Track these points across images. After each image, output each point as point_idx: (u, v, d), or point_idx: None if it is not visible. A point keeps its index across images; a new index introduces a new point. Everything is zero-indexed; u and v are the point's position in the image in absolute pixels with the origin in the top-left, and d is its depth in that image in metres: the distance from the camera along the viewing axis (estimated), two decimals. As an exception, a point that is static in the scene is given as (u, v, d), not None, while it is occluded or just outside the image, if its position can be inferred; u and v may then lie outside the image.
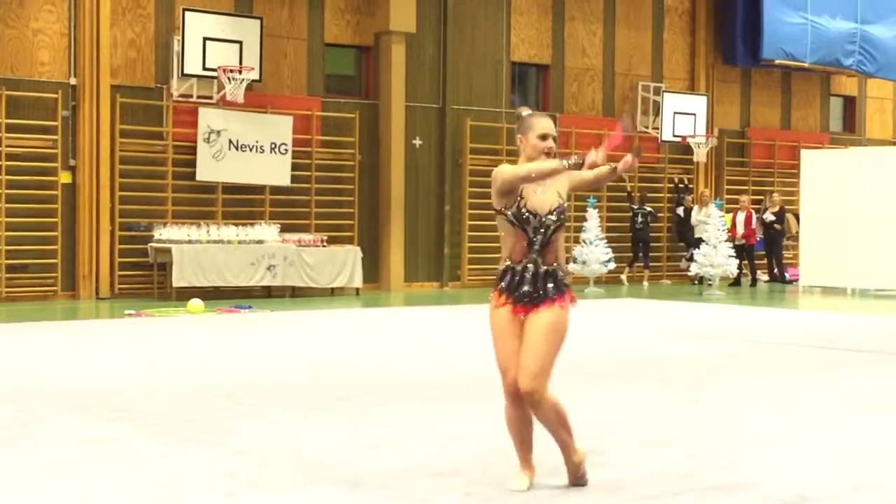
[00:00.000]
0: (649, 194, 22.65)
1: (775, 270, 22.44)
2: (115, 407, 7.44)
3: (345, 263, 18.18)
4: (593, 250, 19.90)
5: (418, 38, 19.73)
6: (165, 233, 16.99)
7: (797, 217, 21.74)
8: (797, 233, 21.70)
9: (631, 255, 21.65)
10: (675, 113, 22.40)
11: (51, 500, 4.93)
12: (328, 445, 6.23)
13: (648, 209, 21.89)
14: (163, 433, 6.57)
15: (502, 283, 5.26)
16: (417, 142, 19.99)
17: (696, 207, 22.22)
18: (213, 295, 16.50)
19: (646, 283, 21.65)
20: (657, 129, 22.39)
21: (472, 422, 6.96)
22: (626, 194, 22.02)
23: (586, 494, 5.10)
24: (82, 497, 4.96)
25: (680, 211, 22.65)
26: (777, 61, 23.58)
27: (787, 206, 22.47)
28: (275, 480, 5.36)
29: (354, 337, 12.30)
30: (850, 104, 26.70)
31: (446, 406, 7.68)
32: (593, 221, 20.03)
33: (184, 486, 5.21)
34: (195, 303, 14.76)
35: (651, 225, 22.10)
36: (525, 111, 5.34)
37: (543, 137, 5.19)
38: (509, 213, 5.15)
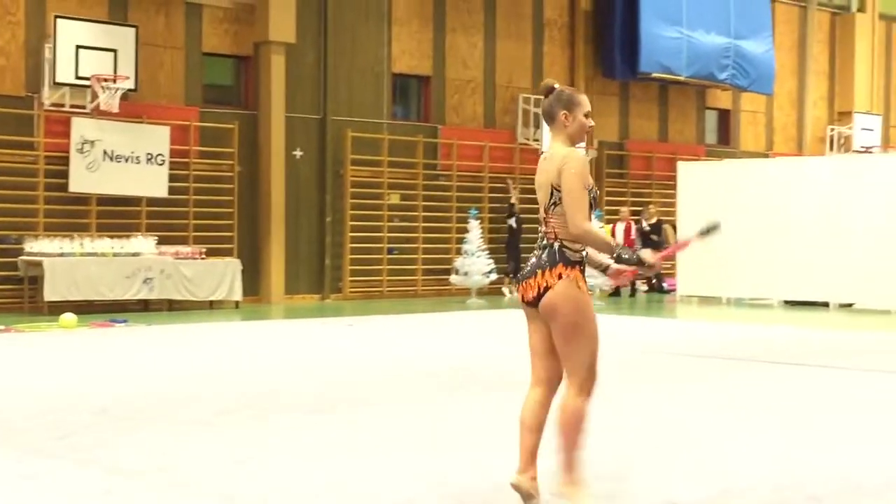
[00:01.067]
0: (526, 207, 22.89)
1: (654, 281, 22.88)
2: (-17, 424, 7.29)
3: (224, 276, 18.04)
4: (475, 261, 20.02)
5: (298, 48, 19.67)
6: (37, 245, 16.63)
7: (674, 228, 22.18)
8: (675, 242, 22.18)
9: (509, 265, 21.74)
10: (556, 125, 22.67)
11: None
12: (204, 461, 6.20)
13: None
14: (32, 451, 6.45)
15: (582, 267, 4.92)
16: (298, 153, 19.90)
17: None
18: (88, 309, 16.17)
19: (515, 293, 21.73)
20: (538, 140, 22.63)
21: (351, 435, 7.00)
22: (508, 205, 22.11)
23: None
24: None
25: (560, 222, 22.92)
26: (654, 74, 24.04)
27: (664, 218, 22.92)
28: (150, 499, 5.33)
29: (233, 351, 12.17)
30: (724, 117, 27.39)
31: (326, 419, 7.69)
32: (475, 233, 20.11)
33: None
34: (68, 317, 14.46)
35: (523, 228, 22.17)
36: (556, 84, 5.12)
37: (587, 115, 5.08)
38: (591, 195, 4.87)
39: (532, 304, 4.91)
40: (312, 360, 11.36)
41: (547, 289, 4.80)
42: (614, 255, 4.88)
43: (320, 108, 20.24)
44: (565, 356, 4.86)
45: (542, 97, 5.17)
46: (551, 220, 4.87)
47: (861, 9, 29.57)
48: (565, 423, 4.84)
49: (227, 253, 18.79)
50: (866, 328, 15.40)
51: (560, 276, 4.77)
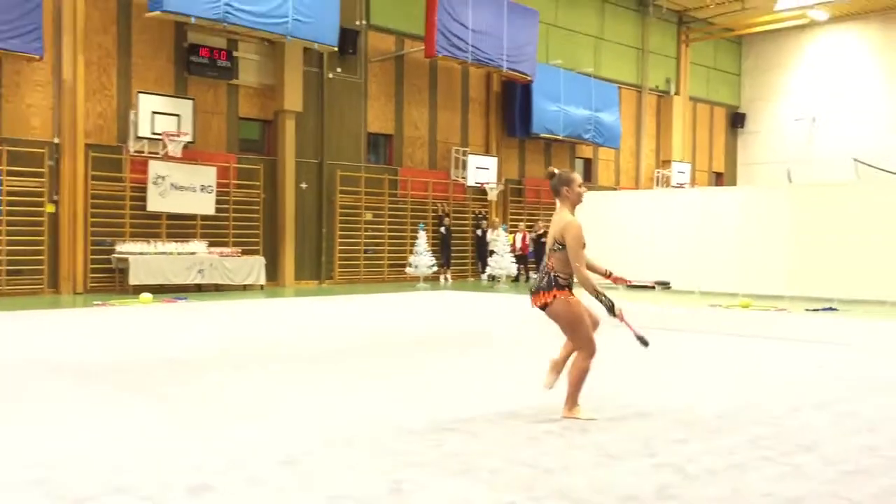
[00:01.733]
0: (457, 223, 22.94)
1: (541, 271, 22.98)
2: (87, 370, 7.12)
3: (253, 268, 17.84)
4: (422, 258, 20.01)
5: (304, 114, 19.49)
6: (124, 247, 16.33)
7: (555, 236, 22.25)
8: (555, 246, 22.27)
9: (443, 260, 21.70)
10: (476, 167, 22.76)
11: (45, 429, 4.70)
12: (237, 395, 6.12)
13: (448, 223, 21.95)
14: (120, 387, 6.32)
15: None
16: (304, 185, 19.73)
17: (490, 230, 22.62)
18: (159, 290, 15.87)
19: (449, 279, 21.73)
20: (464, 178, 22.67)
21: (339, 376, 6.94)
22: (439, 215, 22.09)
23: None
24: (73, 429, 4.74)
25: (479, 232, 23.01)
26: (542, 135, 24.16)
27: (549, 229, 22.98)
28: (197, 419, 5.24)
29: (258, 318, 12.03)
30: (588, 163, 27.59)
31: (321, 366, 7.61)
32: (422, 239, 20.13)
33: (133, 429, 5.03)
34: (145, 296, 14.21)
35: (452, 236, 22.16)
36: (556, 170, 5.26)
37: (580, 185, 5.23)
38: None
39: (541, 309, 5.24)
40: (312, 325, 11.26)
41: (547, 304, 5.19)
42: (597, 295, 5.09)
43: (319, 155, 20.07)
44: (571, 339, 5.31)
45: (547, 179, 5.35)
46: (551, 258, 5.18)
47: (677, 93, 29.95)
48: (575, 374, 5.19)
49: (256, 252, 18.56)
50: (679, 303, 15.60)
51: (555, 297, 5.14)
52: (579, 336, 5.18)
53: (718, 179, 32.26)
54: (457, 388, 6.33)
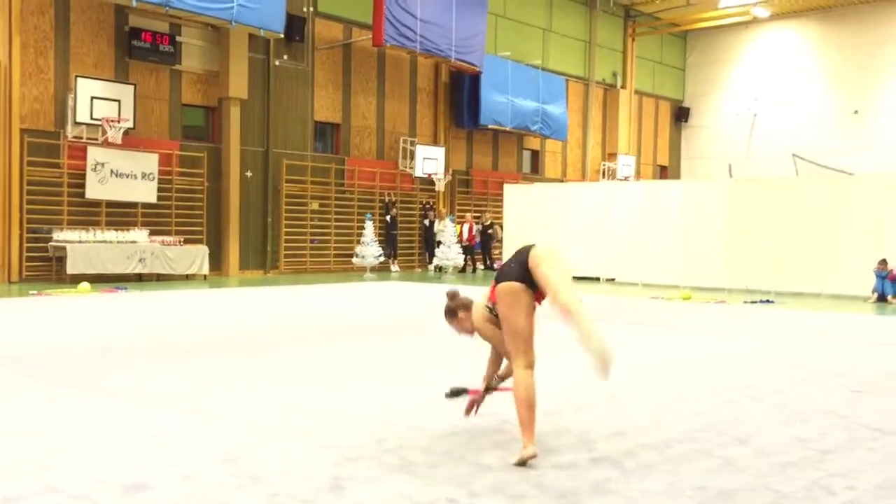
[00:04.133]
0: (404, 213, 22.90)
1: (488, 262, 23.13)
2: (17, 362, 6.92)
3: (196, 257, 17.53)
4: (369, 249, 19.93)
5: (249, 102, 19.21)
6: (62, 235, 15.90)
7: (502, 227, 22.46)
8: (502, 238, 22.46)
9: (388, 250, 21.64)
10: (424, 158, 22.72)
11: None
12: (177, 386, 6.02)
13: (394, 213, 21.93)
14: (54, 381, 6.15)
15: None
16: (249, 174, 19.45)
17: (437, 221, 22.63)
18: (98, 279, 15.53)
19: (396, 269, 21.73)
20: (412, 168, 22.61)
21: (281, 365, 6.86)
22: (384, 203, 22.02)
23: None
24: (-14, 428, 4.59)
25: (426, 223, 23.00)
26: (489, 126, 24.21)
27: (495, 220, 23.15)
28: (134, 413, 5.13)
29: (200, 309, 11.83)
30: (535, 155, 27.74)
31: (263, 356, 7.51)
32: (369, 230, 20.04)
33: (65, 423, 4.90)
34: (83, 285, 13.87)
35: (399, 227, 22.16)
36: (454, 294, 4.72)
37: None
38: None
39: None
40: (254, 316, 11.11)
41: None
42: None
43: (264, 143, 19.80)
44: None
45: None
46: None
47: (623, 86, 30.28)
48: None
49: (199, 241, 18.24)
50: (623, 294, 15.81)
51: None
52: (509, 336, 4.38)
53: (663, 173, 32.76)
54: (399, 381, 6.31)
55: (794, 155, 29.13)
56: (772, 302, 14.32)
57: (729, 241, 17.07)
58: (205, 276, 17.67)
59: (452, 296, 4.77)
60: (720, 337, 9.43)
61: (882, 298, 14.71)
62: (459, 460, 4.19)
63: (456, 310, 4.71)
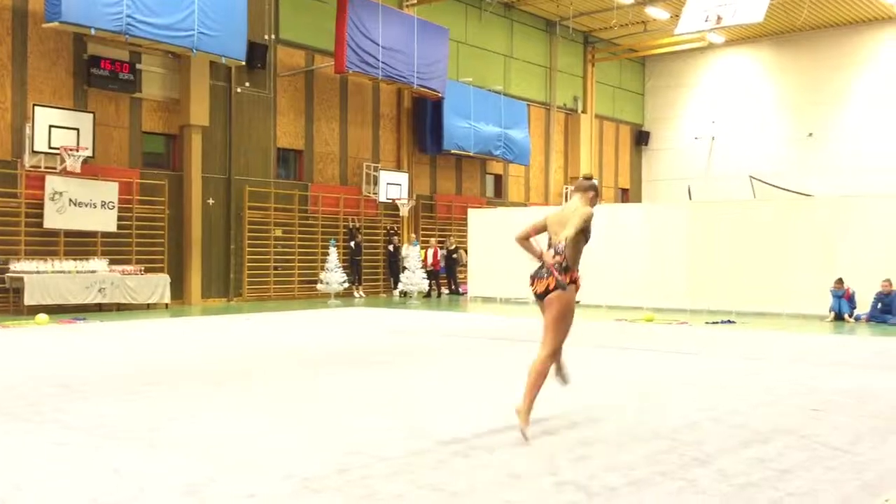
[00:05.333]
0: (368, 238, 22.88)
1: (453, 286, 23.16)
2: (-28, 397, 6.77)
3: (157, 286, 17.33)
4: (334, 275, 19.84)
5: (211, 129, 19.12)
6: (19, 265, 15.62)
7: (466, 251, 22.52)
8: (466, 262, 22.51)
9: (353, 276, 21.57)
10: (387, 183, 22.76)
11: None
12: (135, 420, 5.93)
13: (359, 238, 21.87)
14: (8, 414, 6.02)
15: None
16: (211, 201, 19.32)
17: (404, 246, 22.64)
18: (57, 310, 15.27)
19: (361, 295, 21.68)
20: (376, 193, 22.64)
21: (245, 397, 6.79)
22: (348, 229, 21.99)
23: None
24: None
25: (391, 248, 23.00)
26: (453, 151, 24.37)
27: (460, 245, 23.23)
28: (92, 448, 5.04)
29: (161, 339, 11.68)
30: (498, 179, 27.94)
31: (226, 387, 7.43)
32: (333, 256, 19.95)
33: (20, 459, 4.80)
34: (41, 316, 13.62)
35: (364, 252, 22.13)
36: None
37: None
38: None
39: (541, 295, 5.39)
40: (217, 345, 10.99)
41: (549, 290, 5.34)
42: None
43: (226, 171, 19.71)
44: (554, 330, 5.36)
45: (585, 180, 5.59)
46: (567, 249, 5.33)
47: (584, 111, 30.68)
48: (534, 376, 5.30)
49: (160, 270, 18.04)
50: (588, 317, 15.90)
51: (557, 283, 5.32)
52: (556, 332, 5.26)
53: (624, 195, 33.17)
54: (363, 409, 6.29)
55: (751, 177, 29.69)
56: (733, 322, 14.52)
57: (690, 263, 17.31)
58: (166, 304, 17.46)
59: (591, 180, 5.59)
60: (682, 358, 9.54)
61: (839, 317, 15.00)
62: (426, 488, 4.19)
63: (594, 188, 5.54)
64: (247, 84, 20.04)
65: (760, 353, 10.09)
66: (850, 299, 15.04)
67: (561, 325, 5.24)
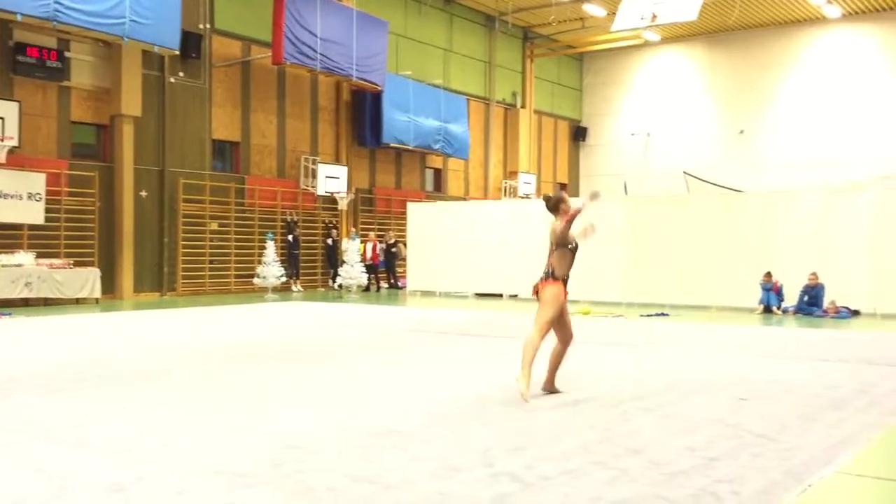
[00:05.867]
0: (307, 232, 22.67)
1: (392, 280, 23.11)
2: None
3: (87, 280, 16.87)
4: (271, 269, 19.62)
5: (143, 119, 18.68)
6: (-60, 259, 15.07)
7: (405, 245, 22.50)
8: (406, 256, 22.49)
9: (291, 270, 21.33)
10: (326, 176, 22.58)
11: None
12: (62, 418, 5.75)
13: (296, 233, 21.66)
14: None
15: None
16: (143, 193, 18.89)
17: (343, 240, 22.49)
18: (-20, 306, 14.76)
19: (299, 289, 21.48)
20: (314, 187, 22.44)
21: (171, 394, 6.66)
22: (286, 222, 21.73)
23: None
24: None
25: (329, 242, 22.82)
26: (392, 144, 24.32)
27: (399, 239, 23.17)
28: (19, 447, 4.87)
29: (90, 334, 11.37)
30: (438, 173, 27.99)
31: (154, 384, 7.27)
32: (271, 249, 19.74)
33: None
34: (-36, 312, 13.16)
35: (301, 245, 21.92)
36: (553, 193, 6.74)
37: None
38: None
39: (536, 295, 6.44)
40: (147, 340, 10.74)
41: (538, 291, 6.45)
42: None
43: (160, 162, 19.29)
44: (536, 317, 6.38)
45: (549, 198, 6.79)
46: (550, 257, 6.46)
47: (523, 106, 30.91)
48: (527, 346, 6.28)
49: (90, 263, 17.57)
50: (526, 311, 16.06)
51: (546, 286, 6.42)
52: (541, 317, 6.28)
53: (562, 190, 33.46)
54: (298, 404, 6.22)
55: (685, 172, 30.31)
56: (667, 315, 14.82)
57: (626, 257, 17.59)
58: (97, 299, 17.02)
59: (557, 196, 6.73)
60: (617, 350, 9.69)
61: (768, 310, 15.43)
62: (361, 481, 4.16)
63: (558, 203, 6.61)
64: (181, 74, 19.63)
65: (691, 345, 10.32)
66: (779, 292, 15.49)
67: (541, 312, 6.31)
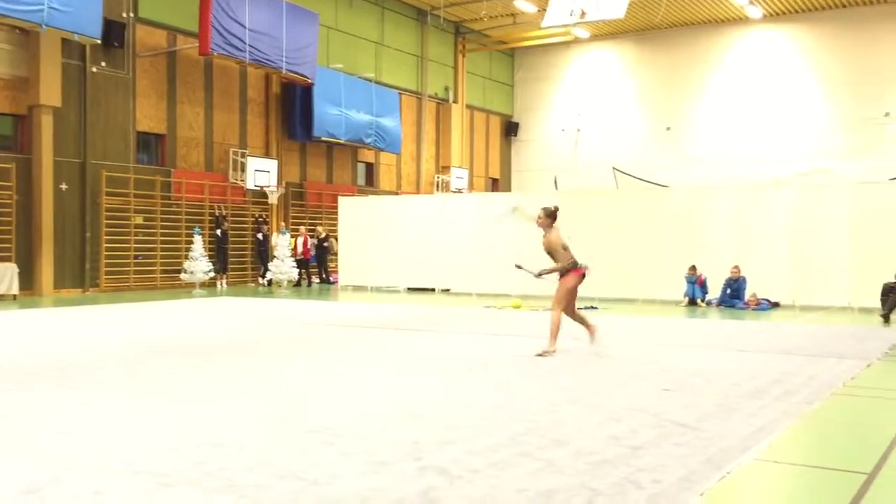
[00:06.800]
0: (235, 226, 22.31)
1: (324, 275, 22.92)
2: None
3: (4, 276, 16.33)
4: (198, 264, 19.24)
5: (63, 110, 18.10)
6: None
7: (337, 240, 22.34)
8: (337, 251, 22.32)
9: (219, 265, 20.95)
10: (255, 170, 22.26)
11: None
12: (-26, 416, 5.53)
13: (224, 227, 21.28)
14: None
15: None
16: (64, 186, 18.30)
17: (273, 234, 22.20)
18: None
19: (224, 285, 21.13)
20: (244, 181, 22.09)
21: (91, 394, 6.48)
22: (214, 217, 21.32)
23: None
24: None
25: (259, 236, 22.51)
26: (323, 138, 24.11)
27: (331, 233, 23.00)
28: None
29: (5, 332, 10.96)
30: (370, 168, 27.86)
31: (74, 384, 7.05)
32: (198, 244, 19.35)
33: None
34: None
35: (230, 240, 21.57)
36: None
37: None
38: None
39: None
40: (69, 337, 10.42)
41: None
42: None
43: (81, 154, 18.72)
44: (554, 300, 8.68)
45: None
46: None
47: (455, 101, 30.99)
48: (552, 323, 8.60)
49: (7, 259, 16.98)
50: (457, 304, 16.14)
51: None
52: (556, 300, 8.66)
53: (495, 185, 33.77)
54: (225, 400, 6.12)
55: (614, 168, 30.85)
56: (596, 308, 15.06)
57: (556, 251, 17.79)
58: (14, 296, 16.45)
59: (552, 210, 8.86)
60: (544, 343, 9.79)
61: (692, 302, 15.84)
62: (288, 477, 4.11)
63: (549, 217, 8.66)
64: (103, 64, 19.07)
65: (617, 337, 10.51)
66: (703, 285, 15.91)
67: (557, 297, 8.63)
